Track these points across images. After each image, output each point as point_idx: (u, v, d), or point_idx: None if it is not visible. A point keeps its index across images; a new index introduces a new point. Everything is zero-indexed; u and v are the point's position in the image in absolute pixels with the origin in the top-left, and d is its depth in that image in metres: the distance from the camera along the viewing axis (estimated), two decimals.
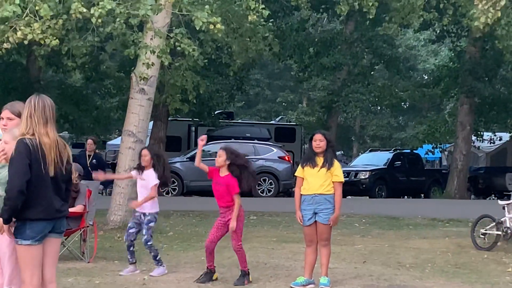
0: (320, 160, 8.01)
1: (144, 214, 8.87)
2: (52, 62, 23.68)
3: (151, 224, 8.87)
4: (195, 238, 12.30)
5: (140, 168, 8.97)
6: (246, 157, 8.79)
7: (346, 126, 47.68)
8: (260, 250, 10.89)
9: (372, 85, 30.55)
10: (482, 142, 29.83)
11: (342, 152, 45.16)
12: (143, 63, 13.13)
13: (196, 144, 27.05)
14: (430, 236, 13.31)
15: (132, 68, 14.35)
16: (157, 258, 8.87)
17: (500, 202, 12.02)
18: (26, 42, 12.28)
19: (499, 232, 11.52)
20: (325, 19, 33.08)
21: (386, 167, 27.48)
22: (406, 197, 27.86)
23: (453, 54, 30.28)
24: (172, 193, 22.85)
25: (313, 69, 29.22)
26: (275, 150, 24.80)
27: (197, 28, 12.88)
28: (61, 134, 19.13)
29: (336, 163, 8.04)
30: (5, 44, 12.16)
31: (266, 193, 23.77)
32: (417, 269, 9.59)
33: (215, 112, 27.44)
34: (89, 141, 14.59)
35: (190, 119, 27.27)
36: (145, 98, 13.69)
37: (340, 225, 12.62)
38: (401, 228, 14.78)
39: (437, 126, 29.53)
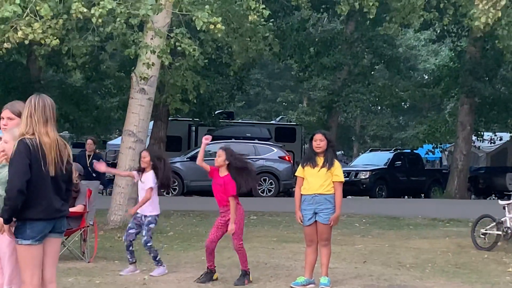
0: (320, 160, 8.01)
1: (145, 216, 8.89)
2: (52, 62, 23.66)
3: (151, 226, 8.88)
4: (195, 238, 12.29)
5: (140, 170, 9.00)
6: (247, 157, 8.79)
7: (347, 126, 47.66)
8: (260, 250, 10.89)
9: (372, 85, 30.58)
10: (483, 142, 29.79)
11: (342, 152, 45.15)
12: (144, 63, 13.14)
13: (196, 144, 27.12)
14: (431, 236, 13.30)
15: (133, 68, 14.35)
16: (157, 259, 8.87)
17: (501, 202, 12.01)
18: (26, 42, 12.27)
19: (500, 232, 11.51)
20: (326, 19, 33.09)
21: (386, 167, 27.47)
22: (406, 197, 27.84)
23: (453, 54, 30.26)
24: (172, 193, 22.83)
25: (314, 69, 29.24)
26: (275, 150, 24.79)
27: (198, 28, 12.87)
28: (61, 133, 19.17)
29: (337, 163, 8.04)
30: (5, 44, 12.15)
31: (267, 193, 23.77)
32: (418, 269, 9.58)
33: (216, 112, 27.41)
34: (89, 141, 14.56)
35: (191, 119, 27.25)
36: (146, 98, 13.70)
37: (341, 225, 12.62)
38: (402, 228, 14.78)
39: (438, 126, 29.50)
